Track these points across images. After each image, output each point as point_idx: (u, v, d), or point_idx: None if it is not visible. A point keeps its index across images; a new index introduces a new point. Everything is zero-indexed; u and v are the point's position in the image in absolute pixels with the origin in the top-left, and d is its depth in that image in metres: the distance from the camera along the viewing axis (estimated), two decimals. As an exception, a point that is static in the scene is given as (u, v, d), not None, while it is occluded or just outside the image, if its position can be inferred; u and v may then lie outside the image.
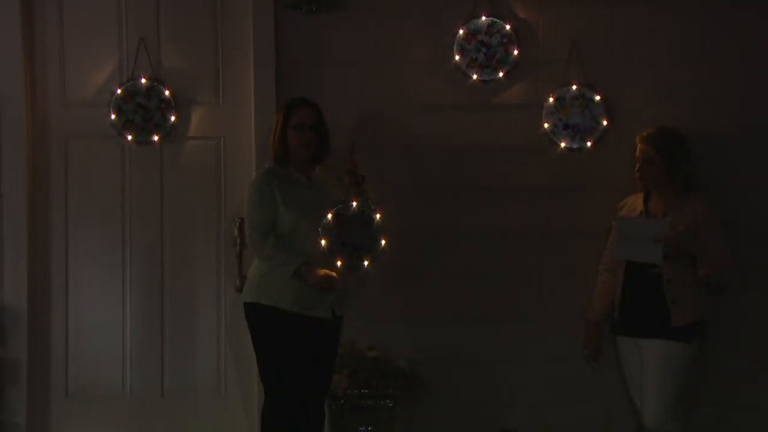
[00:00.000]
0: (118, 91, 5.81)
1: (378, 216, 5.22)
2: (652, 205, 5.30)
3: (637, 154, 5.29)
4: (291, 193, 5.19)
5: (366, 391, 5.60)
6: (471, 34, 5.82)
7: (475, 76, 5.83)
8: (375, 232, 5.24)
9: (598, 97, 5.81)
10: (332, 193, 5.29)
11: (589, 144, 5.83)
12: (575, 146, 5.85)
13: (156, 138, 5.83)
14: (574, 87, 5.82)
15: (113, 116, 5.80)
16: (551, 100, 5.83)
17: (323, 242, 5.12)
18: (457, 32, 5.81)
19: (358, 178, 5.25)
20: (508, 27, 5.82)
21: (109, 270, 5.88)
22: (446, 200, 5.89)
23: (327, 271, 5.11)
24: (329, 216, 5.13)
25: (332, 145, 5.44)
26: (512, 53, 5.82)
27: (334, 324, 5.17)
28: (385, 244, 5.24)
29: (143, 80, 5.80)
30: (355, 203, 5.17)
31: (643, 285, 5.20)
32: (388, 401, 5.62)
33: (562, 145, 5.83)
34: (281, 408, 5.14)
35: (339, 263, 5.15)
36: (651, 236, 5.10)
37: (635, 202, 5.39)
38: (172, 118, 5.83)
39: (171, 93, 5.84)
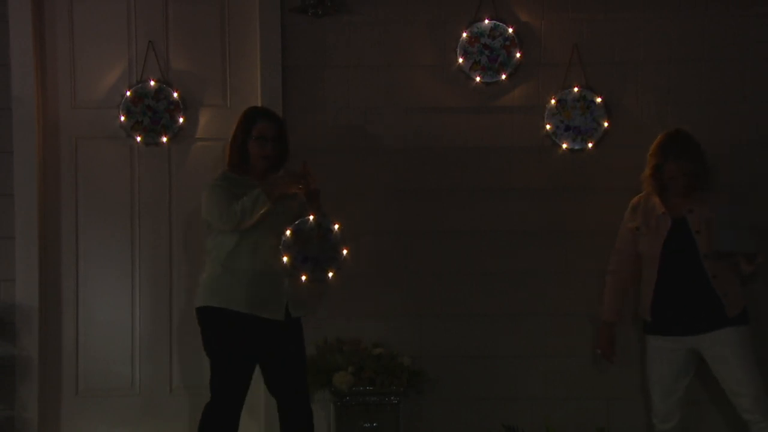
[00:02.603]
0: (128, 93, 5.86)
1: (336, 227, 5.24)
2: (673, 204, 5.28)
3: (675, 172, 5.25)
4: (245, 192, 5.19)
5: (371, 387, 5.63)
6: (474, 38, 5.85)
7: (478, 79, 5.87)
8: (334, 243, 5.25)
9: (599, 100, 5.85)
10: (284, 200, 5.28)
11: (590, 145, 5.87)
12: (576, 147, 5.88)
13: (164, 139, 5.87)
14: (576, 89, 5.85)
15: (122, 118, 5.85)
16: (553, 102, 5.87)
17: (285, 259, 5.13)
18: (461, 35, 5.85)
19: (313, 194, 5.24)
20: (510, 30, 5.85)
21: (119, 268, 5.91)
22: (449, 200, 5.92)
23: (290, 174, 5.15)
24: (288, 232, 5.14)
25: (334, 147, 5.54)
26: (515, 56, 5.85)
27: (290, 326, 5.15)
28: (346, 253, 5.27)
29: (152, 83, 5.85)
30: (312, 217, 5.19)
31: (685, 284, 5.19)
32: (392, 398, 5.65)
33: (564, 146, 5.88)
34: (224, 411, 5.12)
35: (303, 278, 5.17)
36: (747, 225, 5.08)
37: (649, 201, 5.35)
38: (181, 120, 5.87)
39: (179, 95, 5.88)
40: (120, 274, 5.92)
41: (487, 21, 5.85)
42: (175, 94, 5.87)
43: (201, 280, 5.20)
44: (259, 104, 5.87)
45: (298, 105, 5.92)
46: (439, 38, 5.89)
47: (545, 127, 5.89)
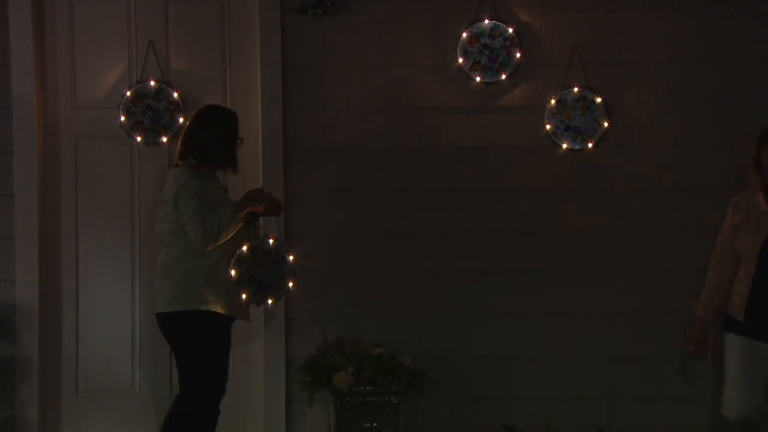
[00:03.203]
0: (128, 93, 5.90)
1: (291, 258, 5.25)
2: None
3: (760, 156, 5.14)
4: (219, 194, 5.24)
5: (371, 387, 5.66)
6: (474, 37, 5.89)
7: (478, 79, 5.90)
8: (284, 272, 5.26)
9: (599, 100, 5.89)
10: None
11: (590, 145, 5.91)
12: (576, 147, 5.92)
13: (164, 139, 5.90)
14: (576, 89, 5.89)
15: (122, 118, 5.88)
16: (553, 102, 5.91)
17: (233, 272, 5.14)
18: (461, 35, 5.89)
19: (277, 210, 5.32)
20: (510, 30, 5.88)
21: (119, 268, 5.94)
22: (449, 200, 5.96)
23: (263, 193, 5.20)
24: (245, 248, 5.16)
25: (333, 147, 5.65)
26: (515, 56, 5.89)
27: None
28: (292, 286, 5.28)
29: (152, 83, 5.89)
30: (271, 241, 5.21)
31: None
32: (392, 397, 5.68)
33: (564, 146, 5.92)
34: (205, 411, 5.15)
35: (243, 296, 5.18)
36: None
37: (752, 198, 5.22)
38: (181, 120, 5.88)
39: (179, 95, 5.91)
40: (120, 274, 5.95)
41: (487, 21, 5.89)
42: (175, 94, 5.90)
43: (171, 283, 5.15)
44: (260, 104, 5.96)
45: (298, 105, 5.95)
46: (439, 38, 5.93)
47: (545, 127, 5.93)
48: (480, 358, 5.94)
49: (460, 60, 5.90)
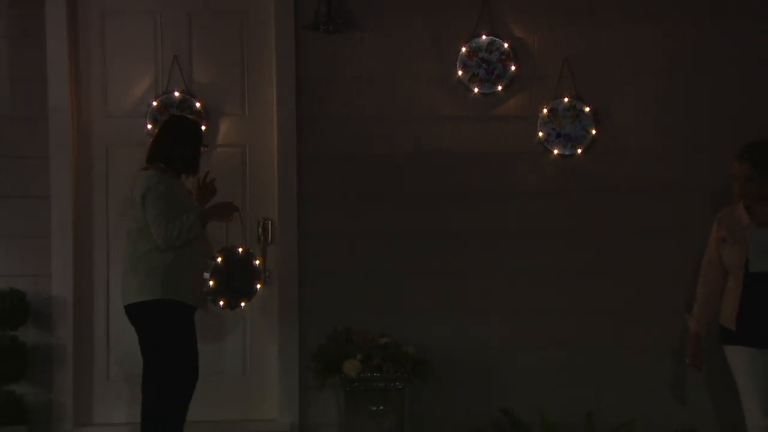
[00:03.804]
0: (154, 103, 6.04)
1: (257, 262, 5.51)
2: (758, 215, 5.13)
3: (736, 171, 5.12)
4: (185, 198, 5.46)
5: (378, 374, 5.79)
6: (472, 52, 6.04)
7: (476, 90, 6.06)
8: (252, 277, 5.50)
9: (587, 109, 6.06)
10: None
11: (579, 151, 6.08)
12: (567, 153, 6.08)
13: None
14: (566, 99, 6.06)
15: (149, 126, 6.02)
16: (545, 111, 6.07)
17: (211, 283, 5.33)
18: (460, 50, 6.04)
19: (209, 198, 5.66)
20: (506, 45, 6.04)
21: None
22: (450, 202, 6.11)
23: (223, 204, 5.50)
24: (219, 259, 5.35)
25: (343, 153, 5.88)
26: (510, 69, 6.05)
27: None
28: (260, 287, 5.55)
29: (177, 93, 6.04)
30: (241, 249, 5.44)
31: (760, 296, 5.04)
32: (397, 383, 5.80)
33: (555, 151, 6.08)
34: (178, 398, 5.37)
35: (221, 303, 5.40)
36: None
37: (735, 214, 5.21)
38: (203, 128, 5.87)
39: (201, 105, 6.06)
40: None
41: (484, 37, 6.04)
42: (198, 104, 6.06)
43: (143, 272, 5.30)
44: (275, 114, 6.08)
45: (310, 114, 6.07)
46: (440, 52, 6.08)
47: (538, 135, 6.08)
48: (478, 349, 6.07)
49: (460, 72, 6.04)
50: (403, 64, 6.11)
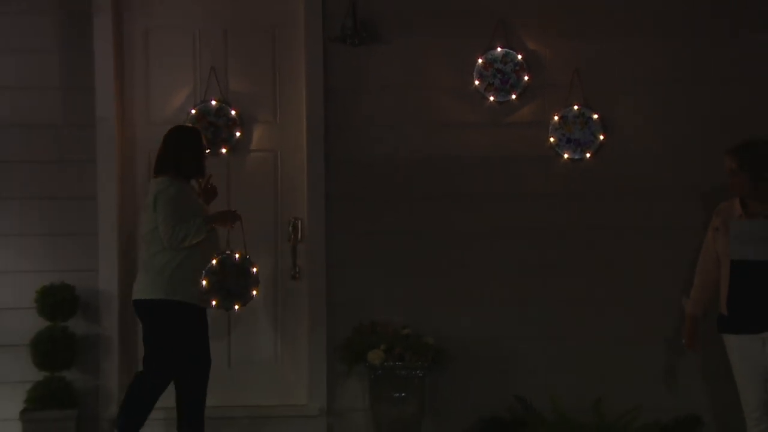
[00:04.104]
0: (193, 111, 6.21)
1: (254, 270, 5.64)
2: (751, 209, 5.22)
3: (726, 166, 5.26)
4: (193, 201, 5.66)
5: (400, 363, 5.96)
6: (488, 63, 6.21)
7: (491, 98, 6.23)
8: (248, 282, 5.63)
9: (595, 116, 6.23)
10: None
11: (588, 155, 6.24)
12: (576, 157, 6.25)
13: (224, 150, 6.24)
14: (576, 107, 6.22)
15: None
16: (556, 118, 6.23)
17: (204, 283, 5.50)
18: (476, 61, 6.20)
19: (210, 199, 5.83)
20: (520, 57, 6.20)
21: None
22: (468, 204, 6.26)
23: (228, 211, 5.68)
24: (214, 261, 5.52)
25: (368, 158, 6.09)
26: (523, 79, 6.22)
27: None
28: (256, 293, 5.68)
29: (213, 102, 6.21)
30: (237, 255, 5.58)
31: (756, 283, 5.12)
32: (418, 371, 5.99)
33: (566, 156, 6.25)
34: (157, 388, 5.59)
35: (214, 303, 5.57)
36: (765, 236, 5.07)
37: (732, 206, 5.30)
38: (238, 134, 6.24)
39: (237, 113, 6.24)
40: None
41: (499, 49, 6.21)
42: (233, 112, 6.23)
43: (152, 272, 5.52)
44: (305, 121, 6.23)
45: (337, 122, 6.22)
46: (458, 64, 6.23)
47: (550, 140, 6.24)
48: (494, 339, 6.22)
49: (476, 82, 6.21)
50: (423, 75, 6.26)
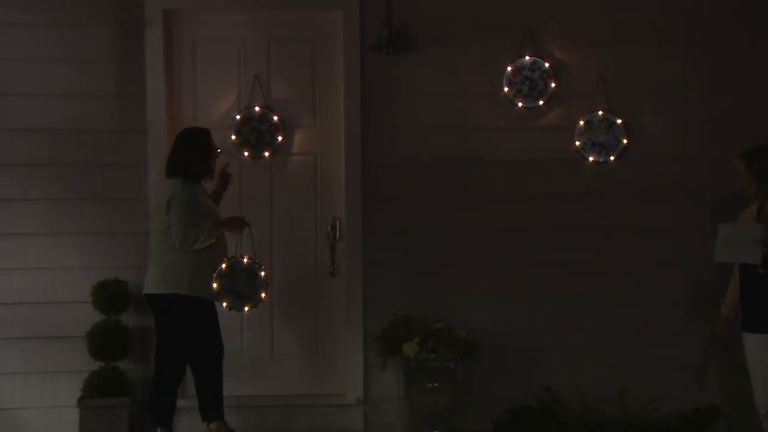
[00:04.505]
0: (238, 116, 6.38)
1: (263, 273, 5.75)
2: (765, 213, 5.26)
3: (738, 170, 5.29)
4: (204, 203, 5.78)
5: (433, 355, 6.10)
6: (517, 71, 6.36)
7: (520, 104, 6.38)
8: (257, 285, 5.75)
9: (619, 121, 6.36)
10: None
11: (612, 158, 6.39)
12: (601, 160, 6.39)
13: (267, 154, 6.41)
14: (600, 112, 6.37)
15: (233, 137, 6.38)
16: (582, 123, 6.38)
17: (215, 285, 5.65)
18: (506, 69, 6.36)
19: (225, 186, 5.94)
20: (547, 65, 6.36)
21: (229, 255, 5.99)
22: (496, 203, 6.39)
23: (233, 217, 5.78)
24: (224, 265, 5.66)
25: (403, 161, 6.21)
26: (551, 86, 6.37)
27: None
28: (264, 296, 5.78)
29: (257, 108, 6.38)
30: (246, 259, 5.71)
31: (759, 286, 5.16)
32: (450, 363, 6.12)
33: (591, 158, 6.40)
34: (173, 378, 5.80)
35: (225, 305, 5.71)
36: (749, 240, 5.06)
37: (750, 212, 5.35)
38: (279, 138, 6.42)
39: (279, 118, 6.40)
40: None
41: (528, 57, 6.37)
42: (275, 118, 6.40)
43: (164, 268, 5.66)
44: (342, 126, 6.37)
45: (374, 127, 6.37)
46: (488, 71, 6.39)
47: (575, 144, 6.39)
48: (522, 332, 6.36)
49: (506, 89, 6.36)
50: (455, 82, 6.40)
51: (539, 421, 6.01)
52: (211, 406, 5.95)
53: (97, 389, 6.17)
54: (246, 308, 5.81)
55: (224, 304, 5.73)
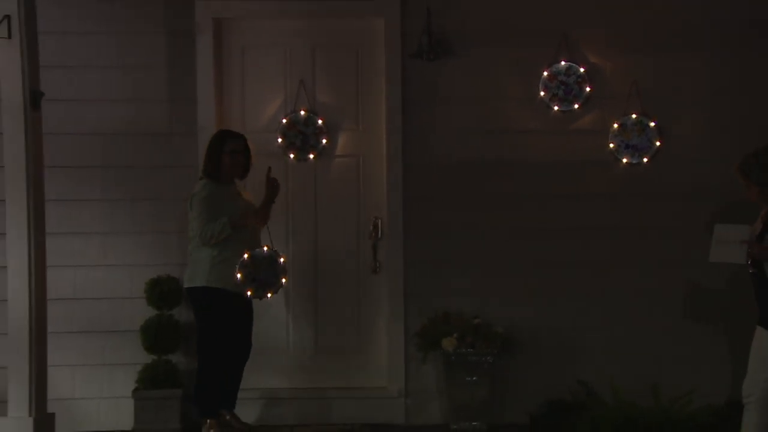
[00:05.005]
0: (284, 120, 6.52)
1: (282, 260, 5.90)
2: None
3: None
4: (227, 201, 5.92)
5: (471, 350, 6.21)
6: (553, 75, 6.46)
7: (556, 108, 6.47)
8: (278, 271, 5.89)
9: (652, 124, 6.45)
10: (247, 201, 6.02)
11: (645, 160, 6.47)
12: (634, 161, 6.48)
13: (311, 156, 6.56)
14: (634, 116, 6.45)
15: (280, 140, 6.53)
16: (616, 125, 6.47)
17: (238, 275, 5.82)
18: (542, 74, 6.46)
19: (275, 192, 6.02)
20: (582, 69, 6.46)
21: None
22: (532, 203, 6.50)
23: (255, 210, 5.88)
24: (246, 255, 5.81)
25: (443, 162, 6.29)
26: (585, 90, 6.46)
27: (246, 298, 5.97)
28: (285, 281, 5.92)
29: (302, 112, 6.52)
30: (266, 248, 5.86)
31: (761, 283, 5.15)
32: (488, 358, 6.24)
33: (624, 160, 6.49)
34: (214, 369, 5.97)
35: (249, 293, 5.87)
36: (737, 240, 5.09)
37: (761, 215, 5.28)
38: (324, 141, 6.55)
39: (323, 122, 6.53)
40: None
41: (563, 62, 6.47)
42: (320, 121, 6.53)
43: (192, 263, 5.87)
44: (384, 129, 6.50)
45: (415, 130, 6.49)
46: (525, 76, 6.50)
47: (609, 146, 6.48)
48: (557, 328, 6.46)
49: (542, 93, 6.46)
50: (492, 86, 6.51)
51: (574, 415, 6.07)
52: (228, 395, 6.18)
53: (151, 381, 6.35)
54: (268, 294, 5.94)
55: (248, 293, 5.88)
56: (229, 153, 5.99)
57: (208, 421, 6.07)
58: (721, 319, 6.43)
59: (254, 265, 5.87)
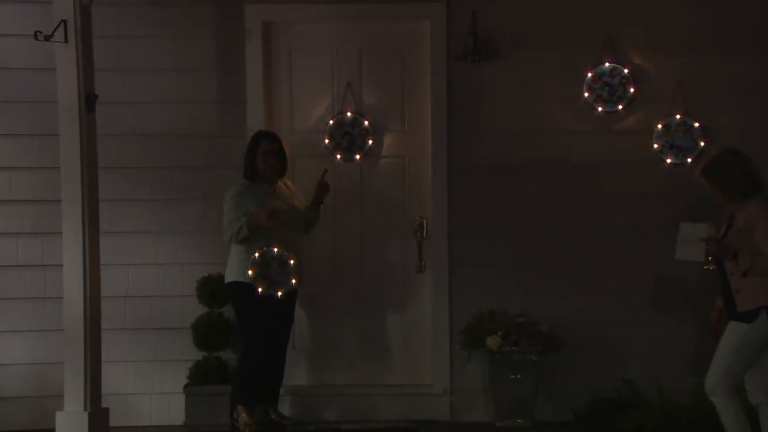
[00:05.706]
0: (331, 121, 6.65)
1: (292, 261, 6.02)
2: (733, 218, 5.35)
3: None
4: (260, 200, 6.02)
5: (515, 348, 6.29)
6: (597, 76, 6.54)
7: (600, 109, 6.55)
8: (288, 272, 6.02)
9: (696, 124, 6.51)
10: (289, 199, 6.15)
11: (689, 160, 6.50)
12: (678, 162, 6.53)
13: (358, 157, 6.67)
14: (678, 116, 6.51)
15: (327, 141, 6.66)
16: (660, 126, 6.52)
17: (250, 272, 5.98)
18: (586, 75, 6.53)
19: (324, 194, 6.18)
20: (626, 71, 6.51)
21: (322, 258, 6.68)
22: (576, 203, 6.54)
23: (264, 211, 5.96)
24: (257, 254, 5.97)
25: (488, 163, 6.37)
26: (630, 91, 6.53)
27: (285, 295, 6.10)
28: (295, 282, 6.04)
29: (349, 114, 6.65)
30: (276, 249, 5.99)
31: (725, 280, 5.27)
32: (532, 356, 6.31)
33: (669, 161, 6.55)
34: (255, 361, 6.08)
35: (260, 290, 5.99)
36: (696, 238, 5.21)
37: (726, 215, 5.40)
38: (370, 142, 6.67)
39: (369, 123, 6.65)
40: (323, 262, 6.67)
41: (607, 64, 6.54)
42: (366, 123, 6.65)
43: (229, 261, 6.08)
44: (430, 130, 6.59)
45: (459, 131, 6.58)
46: (569, 78, 6.57)
47: (654, 146, 6.53)
48: (601, 326, 6.49)
49: (586, 94, 6.55)
50: (537, 88, 6.59)
51: (619, 412, 6.09)
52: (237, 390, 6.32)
53: (201, 377, 6.47)
54: (279, 293, 6.05)
55: (260, 289, 6.01)
56: (262, 154, 6.13)
57: (239, 407, 6.22)
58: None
59: (264, 264, 6.01)
